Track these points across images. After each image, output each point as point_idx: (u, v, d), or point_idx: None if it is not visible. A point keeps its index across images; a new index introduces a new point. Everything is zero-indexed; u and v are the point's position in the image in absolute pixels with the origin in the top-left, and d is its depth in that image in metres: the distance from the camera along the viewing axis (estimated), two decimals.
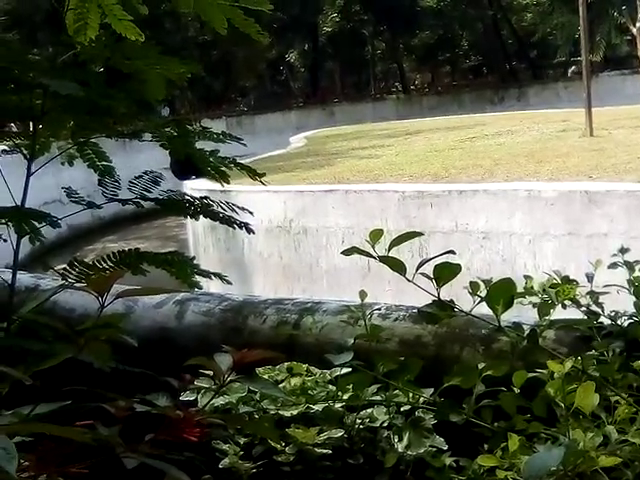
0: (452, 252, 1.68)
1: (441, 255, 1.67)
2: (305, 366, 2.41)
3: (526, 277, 2.28)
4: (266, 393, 2.06)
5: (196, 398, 2.49)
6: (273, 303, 2.94)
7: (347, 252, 1.67)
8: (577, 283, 2.31)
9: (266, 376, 2.38)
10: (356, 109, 41.10)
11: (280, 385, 2.32)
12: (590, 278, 2.28)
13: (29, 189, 2.48)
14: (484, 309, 2.02)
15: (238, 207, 2.37)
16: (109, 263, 2.22)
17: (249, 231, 2.41)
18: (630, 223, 10.21)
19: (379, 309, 2.60)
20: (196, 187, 16.70)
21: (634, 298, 2.23)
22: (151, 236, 28.39)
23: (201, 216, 2.56)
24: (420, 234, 1.71)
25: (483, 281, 1.62)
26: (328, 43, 48.28)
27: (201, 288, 2.74)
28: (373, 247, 1.67)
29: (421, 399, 1.76)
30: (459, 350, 2.28)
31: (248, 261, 14.55)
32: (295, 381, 2.32)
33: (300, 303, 2.86)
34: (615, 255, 2.52)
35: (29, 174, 2.21)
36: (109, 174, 2.33)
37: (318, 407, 2.00)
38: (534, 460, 1.40)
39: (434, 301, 1.64)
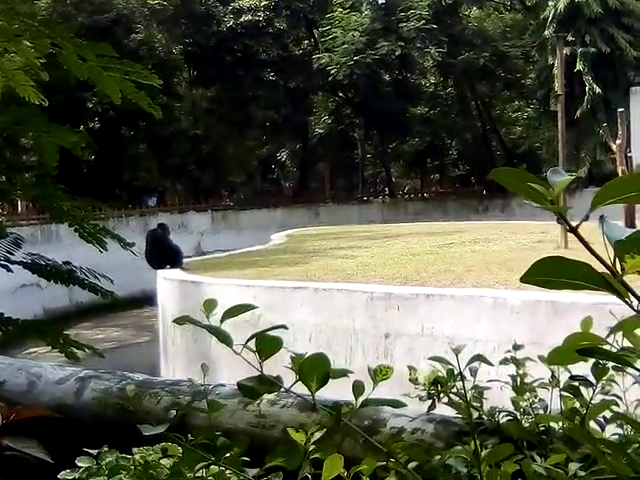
0: (284, 327, 1.64)
1: (273, 329, 1.64)
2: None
3: (410, 368, 2.23)
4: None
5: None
6: (170, 384, 2.89)
7: (179, 321, 1.63)
8: (463, 377, 2.27)
9: (138, 456, 2.31)
10: (342, 210, 41.42)
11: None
12: (474, 372, 2.24)
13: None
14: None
15: (99, 274, 2.32)
16: None
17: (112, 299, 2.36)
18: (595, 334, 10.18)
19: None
20: (168, 276, 16.73)
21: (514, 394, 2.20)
22: (127, 324, 28.26)
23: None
24: (254, 307, 1.67)
25: (297, 355, 1.58)
26: (319, 144, 48.82)
27: (79, 360, 2.69)
28: (207, 317, 1.63)
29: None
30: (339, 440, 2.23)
31: (214, 353, 14.41)
32: (165, 462, 2.25)
33: (195, 386, 2.81)
34: (509, 351, 2.50)
35: None
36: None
37: None
38: None
39: (256, 376, 1.59)
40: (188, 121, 45.51)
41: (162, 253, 17.80)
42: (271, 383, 1.54)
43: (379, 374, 1.72)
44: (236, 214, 41.00)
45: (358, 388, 1.58)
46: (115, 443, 2.55)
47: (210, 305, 1.61)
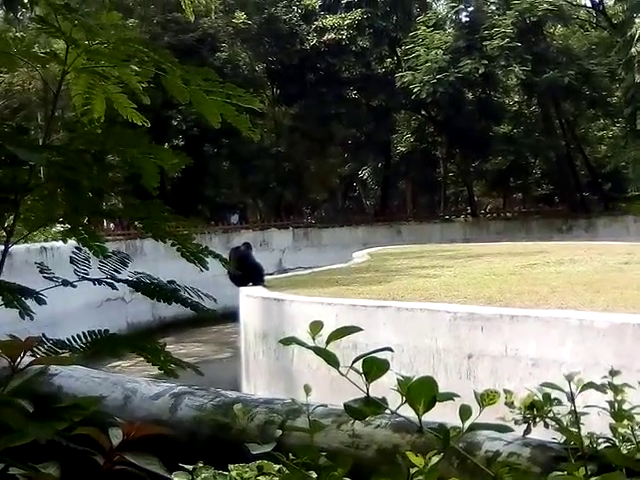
0: (389, 349, 1.65)
1: (378, 351, 1.65)
2: (278, 466, 2.37)
3: (506, 391, 2.23)
4: None
5: None
6: (263, 402, 2.92)
7: (285, 342, 1.66)
8: (559, 402, 2.26)
9: (234, 473, 2.34)
10: (424, 229, 41.26)
11: None
12: (571, 398, 2.22)
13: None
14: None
15: (202, 293, 2.36)
16: (80, 343, 2.22)
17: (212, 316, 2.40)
18: None
19: None
20: (251, 294, 16.87)
21: (613, 421, 2.17)
22: (208, 340, 28.53)
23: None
24: (359, 329, 1.69)
25: (404, 378, 1.59)
26: (401, 162, 48.80)
27: (177, 377, 2.73)
28: (313, 339, 1.65)
29: None
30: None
31: (296, 371, 14.48)
32: (262, 479, 2.28)
33: (288, 404, 2.84)
34: (605, 377, 2.47)
35: (7, 246, 2.25)
36: (103, 253, 2.37)
37: None
38: None
39: (363, 397, 1.61)
40: (270, 138, 45.86)
41: (245, 271, 17.94)
42: (377, 405, 1.56)
43: (486, 399, 1.73)
44: (318, 232, 41.12)
45: (466, 412, 1.59)
46: (210, 460, 2.58)
47: (316, 327, 1.63)
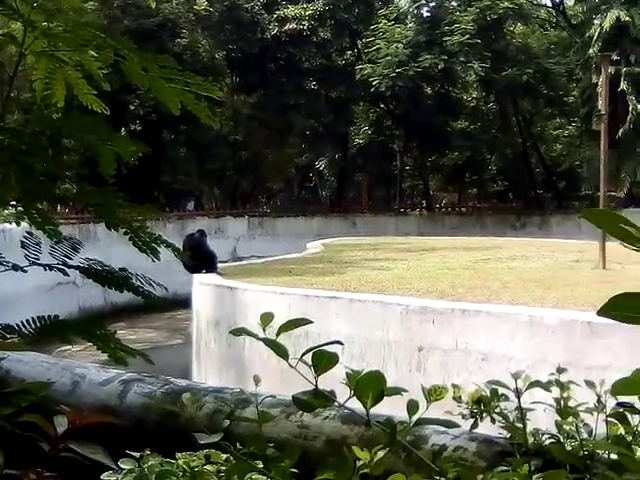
0: (339, 342, 1.66)
1: (328, 344, 1.66)
2: (225, 456, 2.37)
3: (454, 386, 2.25)
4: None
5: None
6: (212, 391, 2.92)
7: (235, 332, 1.66)
8: (506, 398, 2.28)
9: (181, 461, 2.34)
10: (379, 221, 41.39)
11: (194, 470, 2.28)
12: (517, 395, 2.24)
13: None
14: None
15: (155, 283, 2.35)
16: (29, 328, 2.20)
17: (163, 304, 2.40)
18: (632, 358, 10.09)
19: None
20: (204, 281, 16.83)
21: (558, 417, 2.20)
22: (160, 326, 28.44)
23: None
24: (309, 321, 1.69)
25: (353, 372, 1.60)
26: (358, 154, 48.86)
27: (127, 364, 2.72)
28: (264, 330, 1.65)
29: None
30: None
31: (247, 360, 14.47)
32: (209, 468, 2.27)
33: (237, 394, 2.84)
34: (552, 374, 2.49)
35: None
36: (57, 237, 2.35)
37: None
38: None
39: (312, 390, 1.61)
40: (229, 127, 45.69)
41: (199, 258, 17.88)
42: (326, 398, 1.57)
43: (433, 394, 1.74)
44: (273, 221, 41.11)
45: (412, 407, 1.60)
46: (157, 447, 2.57)
47: (267, 318, 1.64)
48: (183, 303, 20.12)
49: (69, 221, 31.63)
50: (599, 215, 1.24)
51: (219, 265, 18.91)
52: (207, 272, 17.62)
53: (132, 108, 37.79)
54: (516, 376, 2.06)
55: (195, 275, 17.27)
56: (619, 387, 1.49)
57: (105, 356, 3.00)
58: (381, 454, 1.64)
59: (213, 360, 15.91)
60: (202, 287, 16.66)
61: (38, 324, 2.50)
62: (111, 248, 20.64)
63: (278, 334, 1.60)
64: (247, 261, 25.02)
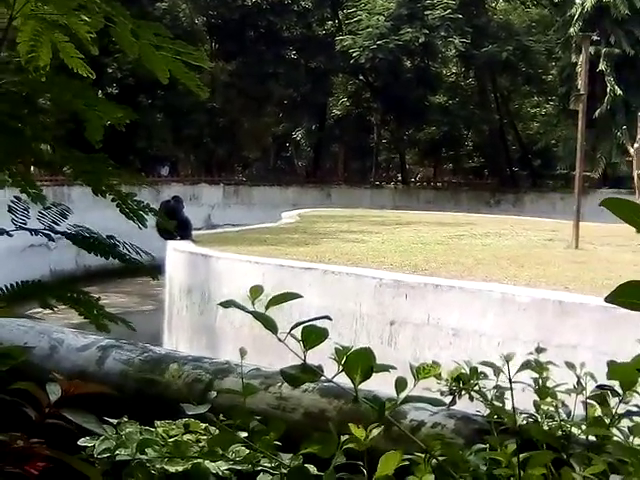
0: (328, 318, 1.67)
1: (316, 319, 1.66)
2: (204, 425, 2.38)
3: (434, 363, 2.26)
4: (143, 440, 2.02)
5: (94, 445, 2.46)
6: (191, 360, 2.93)
7: (224, 304, 1.66)
8: (485, 376, 2.31)
9: (161, 430, 2.35)
10: (354, 193, 41.39)
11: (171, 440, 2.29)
12: (497, 372, 2.26)
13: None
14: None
15: (142, 251, 2.34)
16: (7, 292, 2.19)
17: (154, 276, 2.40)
18: (600, 338, 10.20)
19: None
20: (178, 248, 16.78)
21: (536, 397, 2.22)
22: (132, 292, 28.34)
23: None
24: (299, 296, 1.70)
25: (343, 348, 1.61)
26: (335, 125, 48.78)
27: (109, 331, 2.71)
28: (253, 303, 1.65)
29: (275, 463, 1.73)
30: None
31: (219, 328, 14.49)
32: (188, 437, 2.28)
33: (217, 364, 2.85)
34: (531, 354, 2.51)
35: None
36: (41, 201, 2.33)
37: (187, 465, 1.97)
38: None
39: (300, 364, 1.62)
40: (206, 93, 45.37)
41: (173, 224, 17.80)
42: (314, 372, 1.58)
43: (422, 372, 1.75)
44: (248, 189, 41.02)
45: (401, 384, 1.61)
46: (135, 414, 2.58)
47: (256, 291, 1.64)
48: (157, 269, 20.09)
49: (43, 183, 31.39)
50: (620, 204, 1.25)
51: (193, 232, 18.86)
52: (182, 239, 17.56)
53: (110, 71, 37.47)
54: (508, 359, 2.07)
55: (169, 242, 17.21)
56: (615, 371, 1.50)
57: (76, 319, 2.98)
58: (375, 432, 1.65)
59: (184, 327, 15.90)
60: (176, 254, 16.62)
61: (15, 287, 2.49)
62: (87, 212, 20.52)
63: (267, 307, 1.60)
64: (222, 229, 24.98)
